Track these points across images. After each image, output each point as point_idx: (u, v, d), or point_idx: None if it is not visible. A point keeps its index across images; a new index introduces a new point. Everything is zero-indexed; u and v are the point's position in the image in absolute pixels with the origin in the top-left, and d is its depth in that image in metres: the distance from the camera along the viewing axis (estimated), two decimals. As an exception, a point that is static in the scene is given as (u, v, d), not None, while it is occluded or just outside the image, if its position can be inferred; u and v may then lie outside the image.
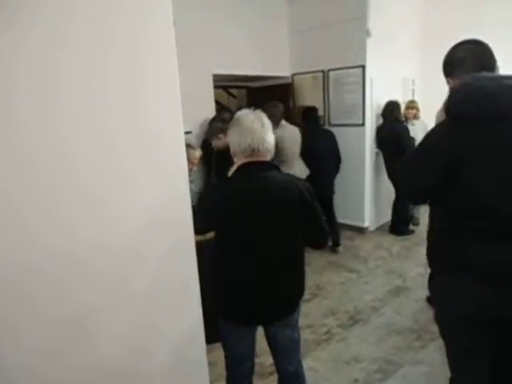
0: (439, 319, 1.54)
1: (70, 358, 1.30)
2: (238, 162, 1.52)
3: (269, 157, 1.53)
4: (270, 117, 1.56)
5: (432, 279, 1.51)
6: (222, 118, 3.98)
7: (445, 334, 1.54)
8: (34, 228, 1.17)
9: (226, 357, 1.68)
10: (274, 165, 1.54)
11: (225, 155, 2.56)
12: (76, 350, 1.31)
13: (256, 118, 1.50)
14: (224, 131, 2.79)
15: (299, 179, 1.58)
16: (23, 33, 1.09)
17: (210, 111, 4.25)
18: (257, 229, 1.46)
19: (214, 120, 4.05)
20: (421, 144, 1.43)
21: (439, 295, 1.50)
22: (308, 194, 1.52)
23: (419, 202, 1.57)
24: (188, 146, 1.85)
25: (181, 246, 1.54)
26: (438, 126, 1.39)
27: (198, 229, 1.61)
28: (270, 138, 1.51)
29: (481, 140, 1.27)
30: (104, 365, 1.38)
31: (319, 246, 1.69)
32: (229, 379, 1.70)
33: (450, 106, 1.35)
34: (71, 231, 1.24)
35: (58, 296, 1.25)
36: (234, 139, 1.50)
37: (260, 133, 1.47)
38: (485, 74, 1.30)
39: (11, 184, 1.12)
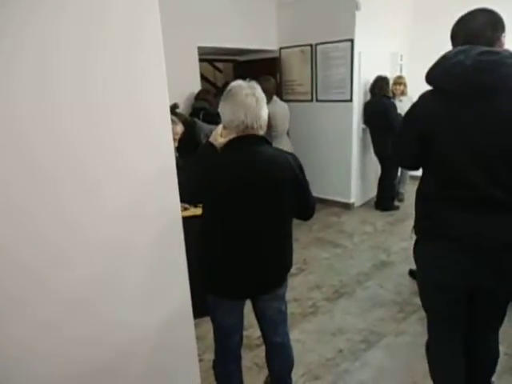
0: (421, 284, 1.61)
1: (66, 333, 1.32)
2: (230, 135, 1.47)
3: (262, 132, 1.48)
4: (263, 91, 1.50)
5: (416, 245, 1.56)
6: (206, 98, 3.91)
7: (424, 298, 1.61)
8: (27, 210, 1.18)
9: (214, 330, 1.70)
10: (265, 139, 1.50)
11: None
12: (70, 324, 1.33)
13: (251, 91, 1.42)
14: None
15: (290, 153, 1.56)
16: (22, 24, 1.08)
17: (195, 85, 4.15)
18: (245, 203, 1.44)
19: (198, 97, 3.97)
20: (406, 113, 1.50)
21: (421, 261, 1.56)
22: (298, 168, 1.51)
23: (410, 167, 1.64)
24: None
25: (167, 222, 1.52)
26: (421, 96, 1.44)
27: (186, 199, 1.58)
28: (264, 114, 1.45)
29: (454, 113, 1.31)
30: (93, 340, 1.39)
31: (306, 218, 1.69)
32: (218, 352, 1.73)
33: (428, 79, 1.39)
34: (61, 210, 1.24)
35: (59, 271, 1.27)
36: (226, 114, 1.43)
37: (255, 109, 1.40)
38: (463, 48, 1.30)
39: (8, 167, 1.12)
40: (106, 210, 1.33)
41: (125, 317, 1.46)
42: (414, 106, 1.45)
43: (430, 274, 1.51)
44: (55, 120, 1.17)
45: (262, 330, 1.74)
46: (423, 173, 1.51)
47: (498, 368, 1.65)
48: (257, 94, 1.43)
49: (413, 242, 1.59)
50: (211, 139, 1.55)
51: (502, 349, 1.64)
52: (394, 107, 4.41)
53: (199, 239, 1.55)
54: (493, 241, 1.33)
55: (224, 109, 1.44)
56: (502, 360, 1.67)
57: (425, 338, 1.68)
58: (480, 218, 1.34)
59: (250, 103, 1.40)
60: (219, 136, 1.52)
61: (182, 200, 1.56)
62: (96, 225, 1.32)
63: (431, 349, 1.65)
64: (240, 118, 1.40)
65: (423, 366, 1.70)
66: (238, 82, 1.46)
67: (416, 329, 2.50)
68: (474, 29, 1.36)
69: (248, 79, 1.49)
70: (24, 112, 1.12)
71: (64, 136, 1.20)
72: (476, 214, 1.34)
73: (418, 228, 1.54)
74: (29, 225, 1.18)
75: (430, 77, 1.38)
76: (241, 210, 1.45)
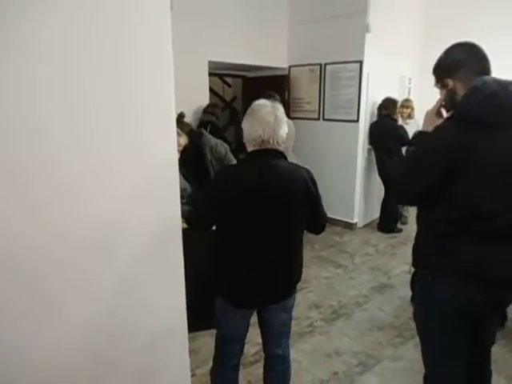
0: (421, 317, 1.56)
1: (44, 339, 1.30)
2: (248, 149, 1.55)
3: (280, 148, 1.54)
4: None
5: (416, 277, 1.52)
6: (214, 112, 3.95)
7: (424, 331, 1.56)
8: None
9: (217, 337, 1.70)
10: (282, 153, 1.55)
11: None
12: (50, 331, 1.31)
13: (272, 110, 1.50)
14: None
15: (304, 168, 1.60)
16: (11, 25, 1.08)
17: (204, 98, 4.20)
18: (260, 215, 1.48)
19: (206, 110, 4.00)
20: (422, 145, 1.41)
21: (424, 293, 1.50)
22: (311, 182, 1.55)
23: (411, 203, 1.57)
24: None
25: (163, 232, 1.51)
26: (441, 128, 1.36)
27: (199, 225, 1.68)
28: (283, 132, 1.52)
29: (487, 146, 1.27)
30: (73, 349, 1.36)
31: (318, 232, 1.74)
32: (218, 360, 1.72)
33: (459, 110, 1.34)
34: (44, 221, 1.22)
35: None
36: (246, 128, 1.52)
37: (272, 125, 1.48)
38: (491, 78, 1.30)
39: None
40: (89, 215, 1.30)
41: (112, 326, 1.44)
42: (437, 139, 1.36)
43: (434, 305, 1.45)
44: (36, 121, 1.15)
45: (264, 341, 1.74)
46: (432, 206, 1.41)
47: (497, 400, 1.62)
48: (277, 113, 1.50)
49: (410, 274, 1.55)
50: None
51: (500, 380, 1.60)
52: (401, 127, 4.42)
53: (212, 248, 1.59)
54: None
55: (245, 124, 1.53)
56: (500, 392, 1.63)
57: (421, 364, 1.64)
58: (494, 248, 1.30)
59: (268, 120, 1.48)
60: None
61: (195, 227, 1.67)
62: (79, 228, 1.28)
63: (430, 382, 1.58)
64: (258, 132, 1.48)
65: (419, 393, 1.66)
66: (262, 101, 1.55)
67: (413, 354, 2.44)
68: (485, 58, 1.38)
69: (272, 99, 1.57)
70: (5, 114, 1.10)
71: (44, 137, 1.17)
72: (490, 244, 1.30)
73: (420, 260, 1.49)
74: (5, 224, 1.16)
75: (465, 108, 1.31)
76: (254, 222, 1.49)
